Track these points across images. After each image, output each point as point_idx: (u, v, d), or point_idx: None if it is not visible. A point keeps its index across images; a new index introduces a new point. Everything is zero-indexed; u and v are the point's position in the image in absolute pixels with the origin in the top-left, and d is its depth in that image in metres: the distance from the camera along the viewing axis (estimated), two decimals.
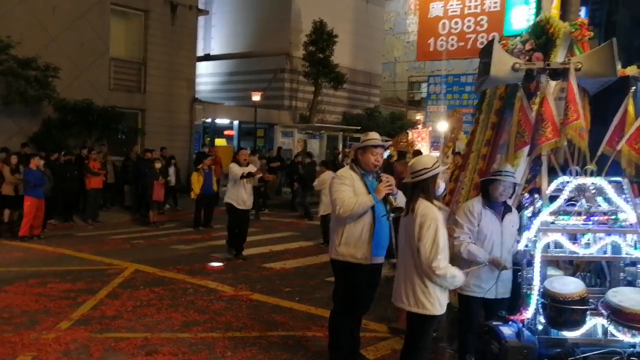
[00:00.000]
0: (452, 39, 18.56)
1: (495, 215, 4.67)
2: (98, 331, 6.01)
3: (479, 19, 18.02)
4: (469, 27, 18.19)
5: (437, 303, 4.09)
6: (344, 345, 4.94)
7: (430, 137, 15.88)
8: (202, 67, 26.88)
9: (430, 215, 4.02)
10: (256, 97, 21.52)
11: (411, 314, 4.17)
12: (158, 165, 14.20)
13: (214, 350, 5.58)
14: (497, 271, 4.60)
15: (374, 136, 4.93)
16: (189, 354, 5.45)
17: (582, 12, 19.21)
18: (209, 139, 23.85)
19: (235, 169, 9.74)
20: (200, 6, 22.69)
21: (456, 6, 18.55)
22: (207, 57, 28.76)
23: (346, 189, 4.75)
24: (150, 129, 19.27)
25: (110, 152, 16.38)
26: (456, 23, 18.47)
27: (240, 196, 9.73)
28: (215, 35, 29.44)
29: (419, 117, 19.53)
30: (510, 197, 4.78)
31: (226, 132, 25.70)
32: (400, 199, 4.75)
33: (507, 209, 4.75)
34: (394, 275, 4.63)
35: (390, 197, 4.62)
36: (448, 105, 19.89)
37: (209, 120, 23.49)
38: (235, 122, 25.03)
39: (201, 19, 24.49)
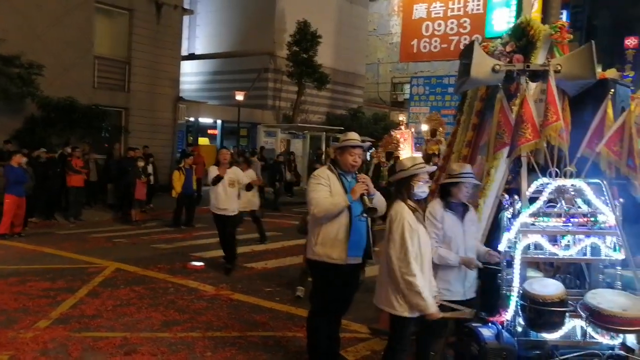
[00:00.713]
0: (435, 41, 18.66)
1: (456, 216, 4.67)
2: (77, 330, 5.94)
3: (462, 21, 18.13)
4: (452, 29, 18.30)
5: (406, 305, 4.04)
6: (321, 345, 4.92)
7: (412, 138, 15.92)
8: (187, 66, 26.76)
9: (399, 216, 4.03)
10: (240, 96, 21.45)
11: (389, 313, 4.18)
12: (141, 163, 14.09)
13: (194, 350, 5.54)
14: (471, 271, 4.62)
15: (353, 136, 4.89)
16: (168, 354, 5.41)
17: (564, 15, 19.40)
18: (192, 137, 23.74)
19: (211, 173, 9.02)
20: (185, 6, 22.59)
21: (439, 8, 18.65)
22: (192, 57, 28.64)
23: (322, 189, 4.73)
24: (134, 128, 19.16)
25: (94, 150, 16.23)
26: (439, 25, 18.57)
27: (219, 202, 8.90)
28: (200, 34, 29.32)
29: (401, 118, 19.55)
30: None
31: (209, 131, 25.60)
32: (378, 200, 4.75)
33: (466, 208, 4.77)
34: None
35: (365, 197, 4.61)
36: (430, 107, 19.99)
37: (192, 119, 23.38)
38: (219, 122, 24.94)
39: (186, 19, 24.38)
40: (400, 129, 16.44)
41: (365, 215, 4.64)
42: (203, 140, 24.95)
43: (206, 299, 7.35)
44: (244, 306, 7.11)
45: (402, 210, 4.07)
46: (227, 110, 23.96)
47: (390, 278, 4.09)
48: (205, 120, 24.64)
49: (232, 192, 9.03)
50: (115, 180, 15.53)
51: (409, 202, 4.16)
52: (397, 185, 4.24)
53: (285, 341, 5.91)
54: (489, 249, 4.79)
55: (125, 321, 6.32)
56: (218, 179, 8.85)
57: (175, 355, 5.39)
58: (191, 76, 28.12)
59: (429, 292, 4.04)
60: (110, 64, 18.99)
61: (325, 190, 4.72)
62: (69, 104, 16.16)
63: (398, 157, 12.72)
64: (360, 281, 5.43)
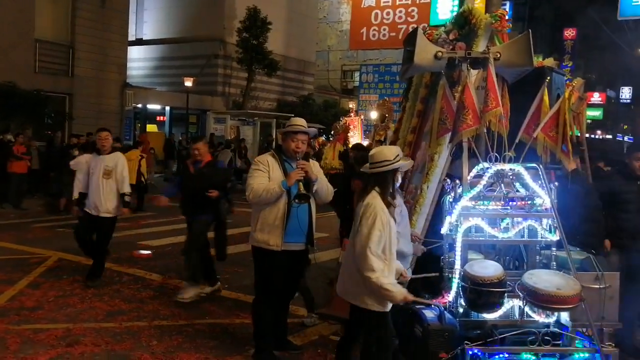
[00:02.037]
0: (384, 29, 18.78)
1: (399, 196, 4.79)
2: (16, 323, 5.75)
3: (409, 9, 18.31)
4: (400, 17, 18.45)
5: (379, 300, 3.87)
6: (266, 332, 4.94)
7: (362, 125, 16.07)
8: (134, 52, 26.13)
9: (373, 210, 3.82)
10: (188, 82, 21.15)
11: (358, 308, 3.98)
12: (75, 152, 13.65)
13: (139, 339, 5.46)
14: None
15: (297, 122, 4.88)
16: (112, 344, 5.31)
17: (507, 6, 19.82)
18: (140, 125, 23.27)
19: (78, 163, 7.39)
20: None
21: None
22: (139, 42, 27.98)
23: (259, 175, 4.73)
24: (79, 114, 18.62)
25: (35, 137, 15.69)
26: (388, 13, 18.70)
27: (89, 197, 7.16)
28: (148, 19, 28.67)
29: (351, 105, 19.73)
30: None
31: (158, 118, 25.15)
32: (323, 187, 4.79)
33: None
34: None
35: (301, 183, 4.63)
36: (380, 94, 20.19)
37: (140, 105, 22.90)
38: (167, 108, 24.52)
39: (133, 2, 23.80)
40: (350, 116, 16.59)
41: (297, 201, 4.65)
42: (151, 127, 24.48)
43: (153, 288, 7.24)
44: None
45: (377, 204, 3.84)
46: (175, 97, 23.57)
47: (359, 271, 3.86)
48: (153, 106, 24.18)
49: (108, 186, 7.16)
50: (57, 168, 15.04)
51: (389, 198, 3.97)
52: (378, 177, 3.97)
53: (233, 328, 5.90)
54: (412, 229, 5.02)
55: (67, 312, 6.16)
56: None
57: (120, 345, 5.30)
58: (139, 62, 27.48)
59: (393, 285, 3.84)
60: (52, 48, 18.38)
61: (263, 176, 4.73)
62: (9, 89, 15.56)
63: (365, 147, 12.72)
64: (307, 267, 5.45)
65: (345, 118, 16.11)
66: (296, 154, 4.79)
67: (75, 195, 7.26)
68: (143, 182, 13.84)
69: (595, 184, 5.93)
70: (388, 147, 4.11)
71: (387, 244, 3.85)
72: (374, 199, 3.89)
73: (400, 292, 3.83)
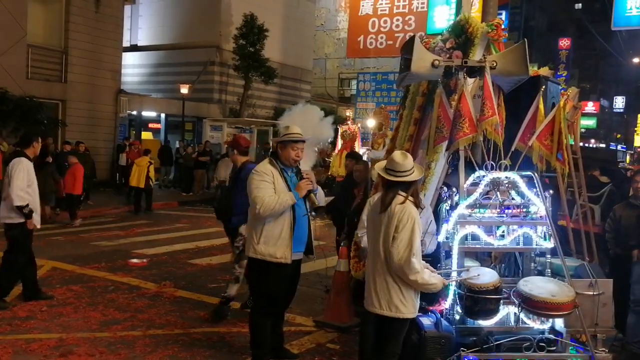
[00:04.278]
0: (382, 37, 18.83)
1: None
2: (8, 333, 5.69)
3: (407, 18, 18.37)
4: (397, 26, 18.51)
5: (411, 305, 3.97)
6: (263, 341, 4.89)
7: (359, 132, 16.10)
8: (129, 58, 26.10)
9: (408, 213, 3.90)
10: (184, 89, 21.13)
11: (381, 317, 4.01)
12: (73, 160, 13.55)
13: (134, 349, 5.41)
14: None
15: (296, 130, 4.78)
16: (107, 354, 5.26)
17: (503, 16, 19.86)
18: (134, 132, 23.20)
19: (26, 172, 6.53)
20: None
21: (385, 5, 18.81)
22: (134, 48, 27.95)
23: (266, 187, 4.59)
24: (72, 121, 18.53)
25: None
26: (385, 22, 18.75)
27: (33, 206, 6.56)
28: (143, 25, 28.63)
29: (348, 113, 19.74)
30: None
31: (153, 125, 25.11)
32: (321, 195, 4.77)
33: None
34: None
35: (312, 194, 4.60)
36: (377, 102, 20.23)
37: (134, 112, 22.85)
38: (163, 115, 24.46)
39: (127, 8, 23.76)
40: (347, 123, 16.63)
41: (313, 213, 4.62)
42: (146, 135, 24.42)
43: (148, 297, 7.19)
44: (187, 303, 7.00)
45: (412, 210, 3.93)
46: (171, 104, 23.53)
47: (392, 279, 3.95)
48: (148, 113, 24.12)
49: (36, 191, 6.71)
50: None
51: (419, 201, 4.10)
52: (409, 185, 4.00)
53: (230, 337, 5.86)
54: None
55: (61, 322, 6.10)
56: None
57: (115, 355, 5.25)
58: (134, 68, 27.45)
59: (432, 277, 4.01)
60: (45, 54, 18.23)
61: (270, 187, 4.60)
62: (0, 95, 15.46)
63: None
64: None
65: (343, 126, 16.15)
66: (295, 162, 4.76)
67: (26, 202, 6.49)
68: (151, 187, 14.97)
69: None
70: (405, 154, 4.10)
71: (419, 245, 3.97)
72: (408, 205, 3.94)
73: (441, 280, 4.05)
